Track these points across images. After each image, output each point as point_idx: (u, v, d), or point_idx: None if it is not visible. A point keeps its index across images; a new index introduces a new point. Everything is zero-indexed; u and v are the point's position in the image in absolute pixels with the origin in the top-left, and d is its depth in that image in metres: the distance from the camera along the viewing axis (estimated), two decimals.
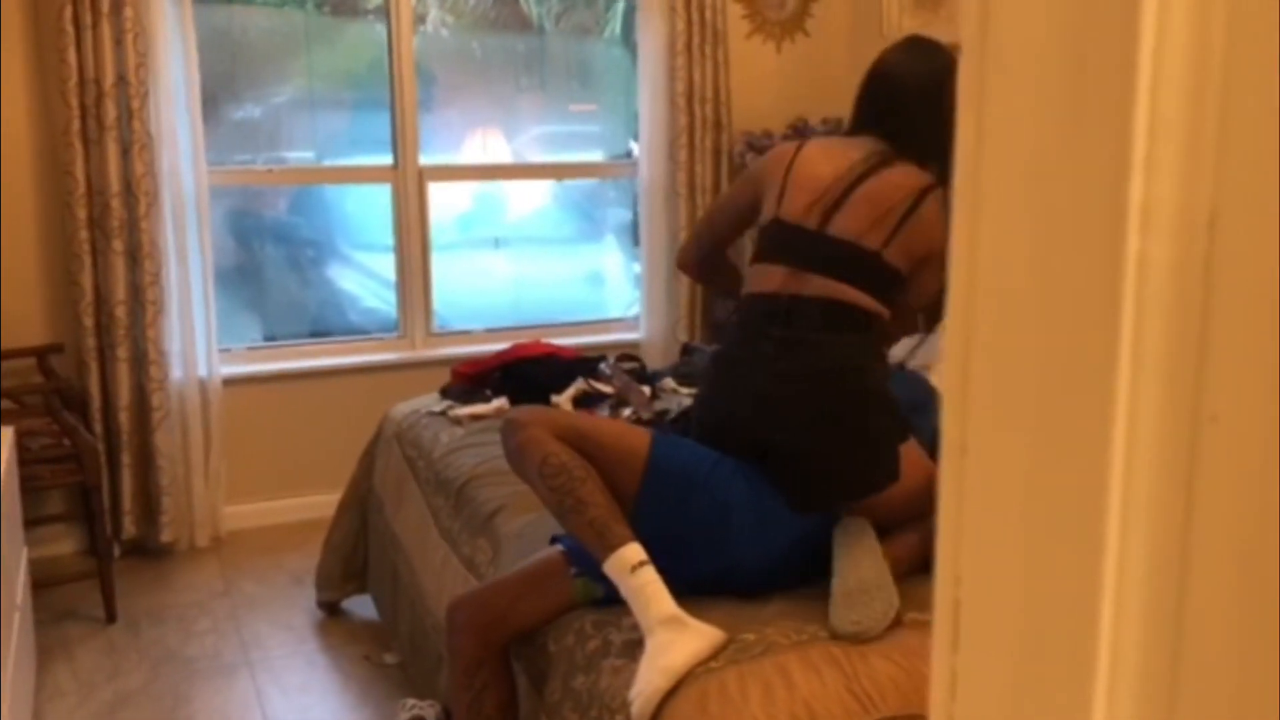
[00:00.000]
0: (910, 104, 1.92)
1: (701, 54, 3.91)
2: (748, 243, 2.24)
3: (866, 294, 1.87)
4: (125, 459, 3.33)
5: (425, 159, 3.85)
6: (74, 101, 3.16)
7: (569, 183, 4.32)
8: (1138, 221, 0.35)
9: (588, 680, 1.69)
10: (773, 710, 1.52)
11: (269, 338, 3.87)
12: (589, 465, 1.79)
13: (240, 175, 3.72)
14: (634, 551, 1.70)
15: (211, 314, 3.46)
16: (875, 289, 1.88)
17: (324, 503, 3.28)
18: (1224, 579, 0.36)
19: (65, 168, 3.20)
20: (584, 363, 3.02)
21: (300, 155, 3.90)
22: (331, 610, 3.04)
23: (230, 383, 3.54)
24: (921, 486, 1.80)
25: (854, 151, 1.93)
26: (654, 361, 3.70)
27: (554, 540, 1.94)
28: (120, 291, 3.27)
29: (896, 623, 1.70)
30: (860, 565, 1.74)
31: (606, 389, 2.84)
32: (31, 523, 2.99)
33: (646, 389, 2.89)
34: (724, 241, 2.19)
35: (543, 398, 2.76)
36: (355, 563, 2.99)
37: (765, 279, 1.93)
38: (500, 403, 2.84)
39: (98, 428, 3.29)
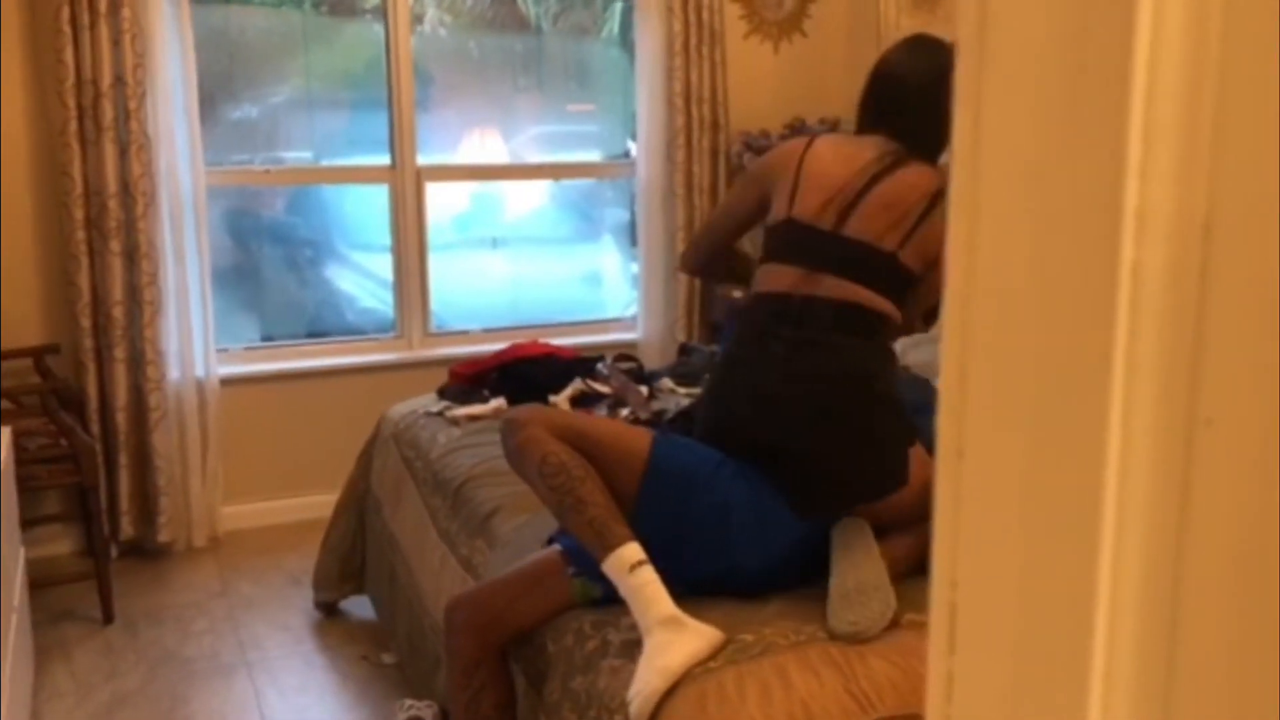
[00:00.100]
0: (915, 102, 1.91)
1: (699, 54, 3.91)
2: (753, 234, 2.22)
3: (881, 296, 1.85)
4: (122, 459, 3.33)
5: (423, 159, 3.84)
6: (71, 102, 3.15)
7: (566, 183, 4.32)
8: (1133, 227, 0.35)
9: (586, 680, 1.69)
10: (770, 711, 1.52)
11: (266, 338, 3.87)
12: (588, 464, 1.79)
13: (238, 175, 3.72)
14: (633, 551, 1.70)
15: (209, 314, 3.45)
16: (890, 291, 1.86)
17: (321, 503, 3.28)
18: (1219, 581, 0.36)
19: (62, 168, 3.20)
20: (581, 363, 3.02)
21: (298, 155, 3.90)
22: (329, 611, 3.04)
23: (228, 383, 3.54)
24: (926, 490, 1.80)
25: (866, 151, 1.92)
26: (651, 361, 3.71)
27: (552, 540, 1.94)
28: (117, 292, 3.27)
29: (894, 623, 1.70)
30: (858, 566, 1.75)
31: (604, 389, 2.84)
32: (29, 523, 2.99)
33: (644, 389, 2.89)
34: (729, 241, 2.16)
35: (540, 398, 2.76)
36: (353, 563, 2.99)
37: (776, 278, 1.91)
38: (498, 403, 2.84)
39: (95, 428, 3.28)
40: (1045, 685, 0.40)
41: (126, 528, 3.36)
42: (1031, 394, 0.40)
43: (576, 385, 2.86)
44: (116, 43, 3.18)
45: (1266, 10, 0.33)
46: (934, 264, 1.87)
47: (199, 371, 3.45)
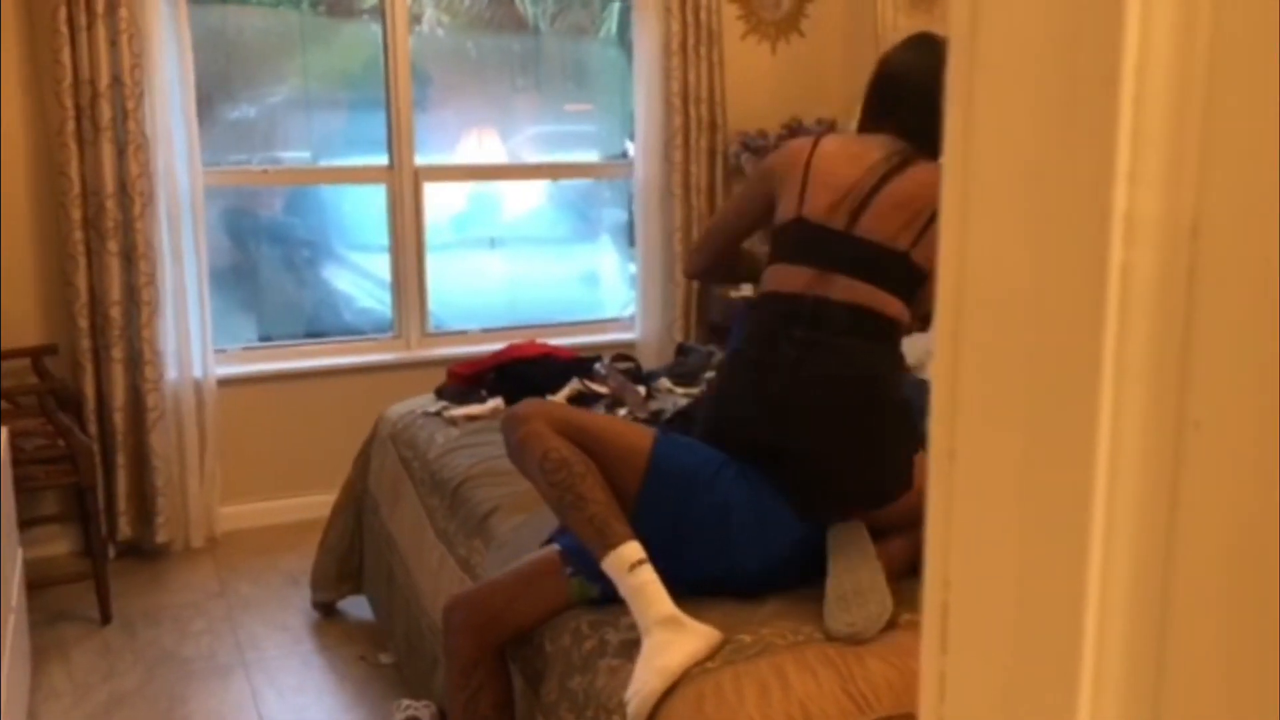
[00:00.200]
0: (920, 100, 1.90)
1: (697, 54, 3.91)
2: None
3: (893, 296, 1.84)
4: (120, 460, 3.33)
5: (421, 159, 3.85)
6: (69, 102, 3.15)
7: (564, 183, 4.32)
8: (1122, 231, 0.35)
9: (584, 680, 1.70)
10: (768, 711, 1.53)
11: (264, 338, 3.87)
12: (590, 461, 1.79)
13: (235, 176, 3.72)
14: (633, 550, 1.70)
15: (206, 314, 3.45)
16: (901, 291, 1.85)
17: (319, 503, 3.28)
18: (1207, 582, 0.37)
19: (60, 168, 3.20)
20: (579, 363, 3.02)
21: (295, 155, 3.90)
22: (327, 611, 3.05)
23: (225, 383, 3.54)
24: (926, 495, 1.80)
25: (874, 150, 1.90)
26: (649, 362, 3.71)
27: (550, 540, 1.94)
28: (115, 292, 3.27)
29: (891, 624, 1.71)
30: (855, 568, 1.75)
31: (602, 389, 2.84)
32: (26, 524, 2.98)
33: (642, 389, 2.89)
34: (735, 243, 2.14)
35: (538, 397, 2.76)
36: (350, 563, 2.99)
37: (787, 279, 1.89)
38: (495, 403, 2.84)
39: (92, 428, 3.28)
40: (1036, 685, 0.40)
41: (124, 528, 3.36)
42: (1022, 395, 0.40)
43: (574, 385, 2.86)
44: (114, 43, 3.18)
45: (1254, 17, 0.33)
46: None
47: (197, 372, 3.45)
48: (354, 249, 4.16)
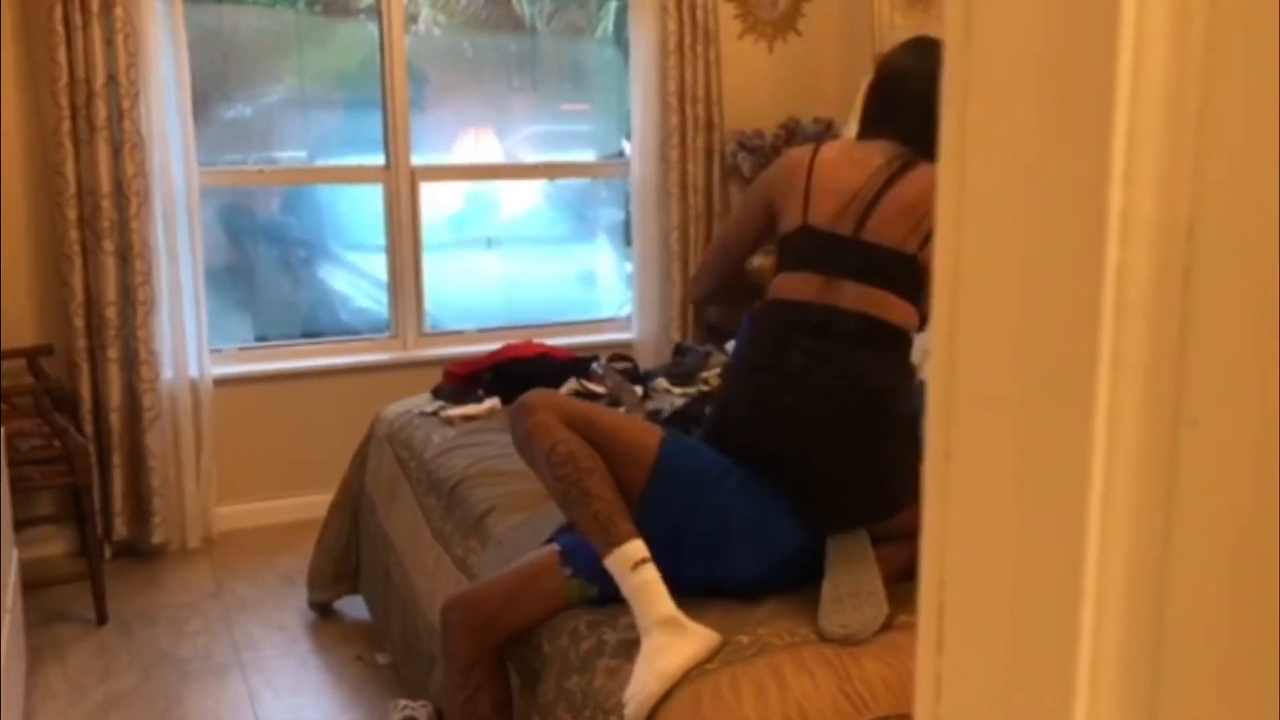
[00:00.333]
0: (920, 102, 1.89)
1: (693, 54, 3.91)
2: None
3: (904, 300, 1.83)
4: (116, 460, 3.32)
5: (417, 159, 3.84)
6: (64, 101, 3.15)
7: (561, 182, 4.32)
8: (1118, 230, 0.35)
9: (582, 680, 1.69)
10: (765, 712, 1.53)
11: (260, 338, 3.87)
12: (597, 456, 1.78)
13: (231, 175, 3.71)
14: (637, 548, 1.69)
15: (203, 314, 3.45)
16: (911, 294, 1.84)
17: (316, 503, 3.27)
18: (1204, 581, 0.37)
19: (55, 168, 3.19)
20: (576, 363, 3.02)
21: (292, 155, 3.90)
22: (323, 611, 3.04)
23: (221, 383, 3.54)
24: None
25: (875, 156, 1.90)
26: (646, 361, 3.71)
27: (550, 540, 1.94)
28: (111, 292, 3.26)
29: (889, 625, 1.71)
30: (853, 571, 1.75)
31: (599, 389, 2.84)
32: (22, 524, 2.98)
33: (639, 389, 2.89)
34: (741, 260, 2.11)
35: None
36: (347, 563, 2.98)
37: (795, 286, 1.88)
38: (492, 403, 2.84)
39: (88, 428, 3.28)
40: (1033, 686, 0.40)
41: (120, 528, 3.36)
42: (1018, 395, 0.40)
43: (571, 385, 2.86)
44: (109, 42, 3.18)
45: (1249, 17, 0.33)
46: None
47: (193, 372, 3.44)
48: (350, 249, 4.16)
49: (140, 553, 3.42)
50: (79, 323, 3.25)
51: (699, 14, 3.89)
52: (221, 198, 3.78)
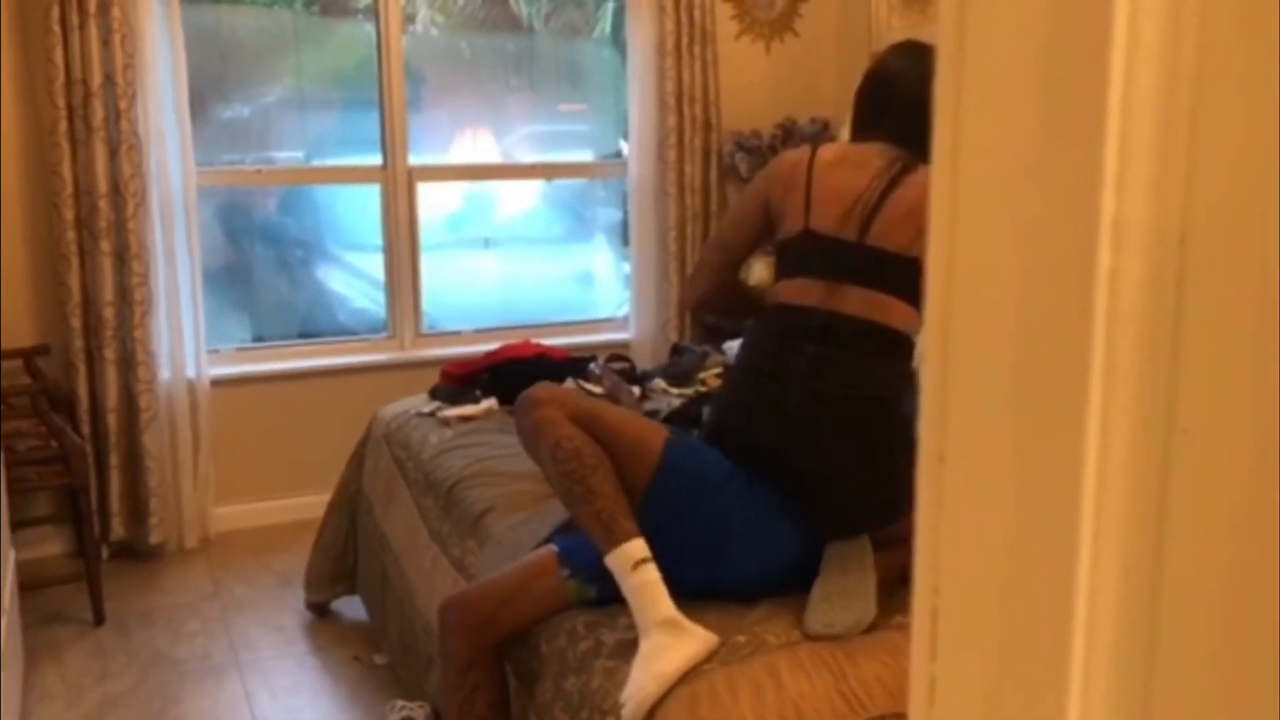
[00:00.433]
0: (911, 105, 1.89)
1: (691, 54, 3.91)
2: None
3: (908, 304, 1.83)
4: (113, 460, 3.32)
5: (414, 159, 3.84)
6: (61, 102, 3.15)
7: (558, 182, 4.32)
8: (1110, 238, 0.35)
9: (579, 681, 1.69)
10: (762, 711, 1.53)
11: (258, 338, 3.87)
12: (602, 453, 1.77)
13: (228, 175, 3.71)
14: (638, 547, 1.69)
15: (200, 315, 3.45)
16: (916, 297, 1.82)
17: (313, 504, 3.27)
18: (1197, 588, 0.37)
19: (52, 168, 3.19)
20: (573, 363, 3.02)
21: (289, 155, 3.89)
22: (321, 611, 3.04)
23: (219, 383, 3.53)
24: None
25: (874, 159, 1.89)
26: (643, 362, 3.71)
27: (547, 539, 1.94)
28: (108, 292, 3.26)
29: (885, 625, 1.71)
30: (846, 572, 1.75)
31: (596, 389, 2.84)
32: (19, 525, 2.98)
33: (636, 389, 2.89)
34: (737, 263, 2.06)
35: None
36: (344, 564, 2.98)
37: (798, 292, 1.87)
38: (489, 404, 2.84)
39: (85, 429, 3.28)
40: (1025, 691, 0.40)
41: (117, 529, 3.35)
42: (1011, 401, 0.40)
43: (569, 386, 2.86)
44: (106, 42, 3.17)
45: (1242, 23, 0.33)
46: None
47: (190, 372, 3.44)
48: (348, 249, 4.15)
49: (137, 553, 3.41)
50: (76, 323, 3.25)
51: (696, 14, 3.89)
52: (219, 198, 3.77)
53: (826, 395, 1.80)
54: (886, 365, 1.83)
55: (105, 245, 3.23)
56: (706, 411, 2.29)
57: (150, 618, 3.01)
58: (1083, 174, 0.36)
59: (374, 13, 3.73)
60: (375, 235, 3.87)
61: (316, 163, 3.92)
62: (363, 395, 3.52)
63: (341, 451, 3.11)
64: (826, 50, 4.23)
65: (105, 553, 3.33)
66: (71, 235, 3.21)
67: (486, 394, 2.90)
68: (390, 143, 3.78)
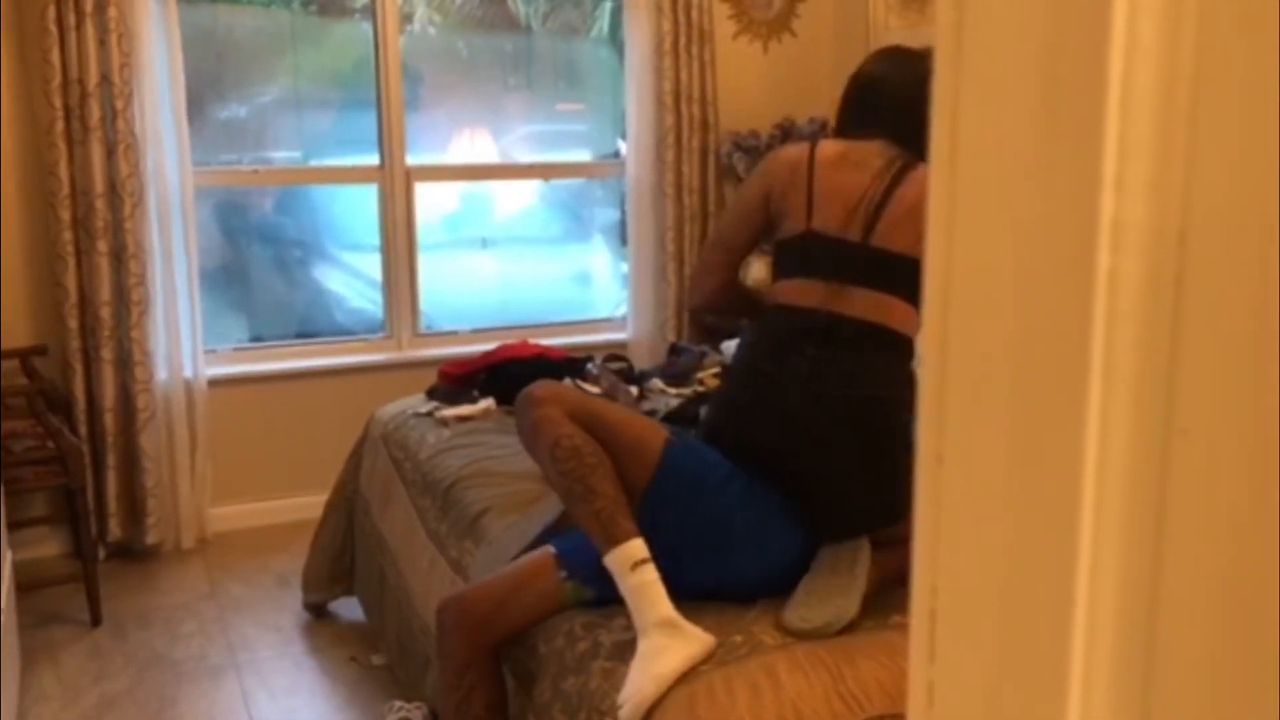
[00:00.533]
0: (898, 107, 1.89)
1: (688, 54, 3.91)
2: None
3: (911, 305, 1.82)
4: (110, 461, 3.32)
5: (412, 159, 3.84)
6: (58, 102, 3.14)
7: (556, 182, 4.32)
8: (1109, 238, 0.35)
9: (577, 682, 1.69)
10: (760, 712, 1.52)
11: (255, 338, 3.86)
12: (602, 452, 1.77)
13: (226, 175, 3.71)
14: (637, 548, 1.69)
15: (197, 315, 3.44)
16: (918, 298, 1.82)
17: (310, 504, 3.27)
18: (1196, 590, 0.36)
19: (49, 168, 3.18)
20: (571, 363, 3.02)
21: (286, 155, 3.89)
22: (318, 612, 3.04)
23: (216, 384, 3.53)
24: None
25: (873, 158, 1.88)
26: (641, 361, 3.70)
27: (543, 540, 1.94)
28: (105, 292, 3.25)
29: (883, 625, 1.71)
30: (836, 571, 1.75)
31: (594, 389, 2.84)
32: (15, 525, 2.97)
33: (634, 389, 2.89)
34: (737, 260, 2.04)
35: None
36: (342, 564, 2.98)
37: (800, 293, 1.86)
38: (487, 404, 2.84)
39: (82, 429, 3.27)
40: (1024, 694, 0.40)
41: (114, 529, 3.35)
42: (1010, 402, 0.40)
43: (566, 385, 2.86)
44: (103, 42, 3.17)
45: (1240, 23, 0.33)
46: None
47: (187, 372, 3.43)
48: (345, 249, 4.15)
49: (134, 554, 3.41)
50: (73, 323, 3.24)
51: (694, 14, 3.89)
52: (216, 198, 3.77)
53: (826, 396, 1.80)
54: (887, 366, 1.83)
55: (102, 245, 3.23)
56: (704, 411, 2.29)
57: (147, 618, 3.01)
58: (1081, 174, 0.35)
59: (371, 12, 3.73)
60: (373, 235, 3.86)
61: (314, 163, 3.92)
62: (360, 395, 3.51)
63: (339, 452, 3.10)
64: (824, 50, 4.23)
65: (102, 553, 3.32)
66: (68, 235, 3.21)
67: (484, 394, 2.90)
68: (387, 142, 3.78)
